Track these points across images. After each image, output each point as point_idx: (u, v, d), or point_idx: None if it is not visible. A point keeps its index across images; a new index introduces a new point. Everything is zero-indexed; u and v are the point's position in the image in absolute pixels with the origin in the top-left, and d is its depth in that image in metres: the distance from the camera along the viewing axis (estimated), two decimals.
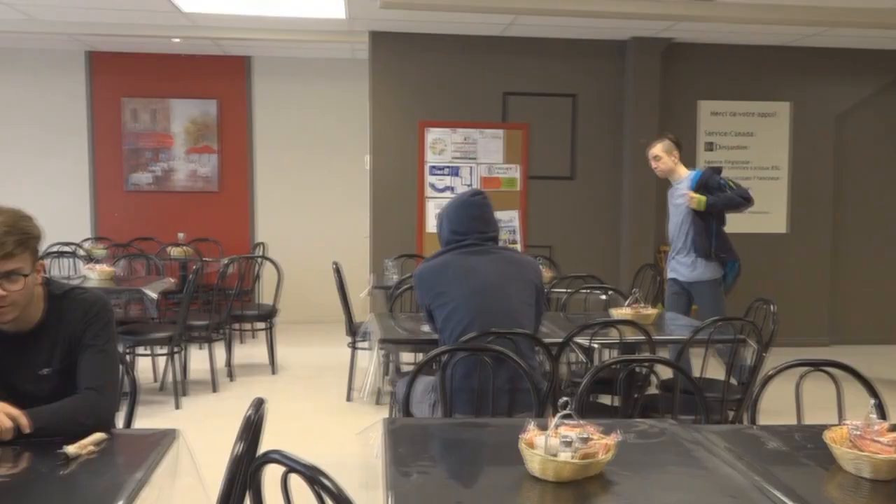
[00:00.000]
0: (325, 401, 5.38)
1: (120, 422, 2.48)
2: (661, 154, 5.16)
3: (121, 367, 2.71)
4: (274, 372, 6.13)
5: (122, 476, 1.81)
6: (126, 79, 8.03)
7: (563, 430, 1.81)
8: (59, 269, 6.77)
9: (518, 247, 6.99)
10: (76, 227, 7.87)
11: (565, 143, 7.17)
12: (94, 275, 5.29)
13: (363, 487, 2.84)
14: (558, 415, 1.85)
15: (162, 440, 2.01)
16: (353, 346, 5.43)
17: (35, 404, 2.08)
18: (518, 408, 2.86)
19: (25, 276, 2.05)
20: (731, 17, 5.92)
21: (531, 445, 1.80)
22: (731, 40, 7.09)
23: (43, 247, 2.30)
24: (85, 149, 8.04)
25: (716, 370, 3.85)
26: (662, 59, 7.04)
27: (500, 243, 3.33)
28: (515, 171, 7.12)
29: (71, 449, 1.88)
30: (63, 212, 7.82)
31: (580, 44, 7.06)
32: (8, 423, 1.92)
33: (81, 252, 6.99)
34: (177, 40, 7.24)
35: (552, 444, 1.76)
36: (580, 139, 7.17)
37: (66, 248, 6.96)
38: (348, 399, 5.38)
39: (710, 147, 7.38)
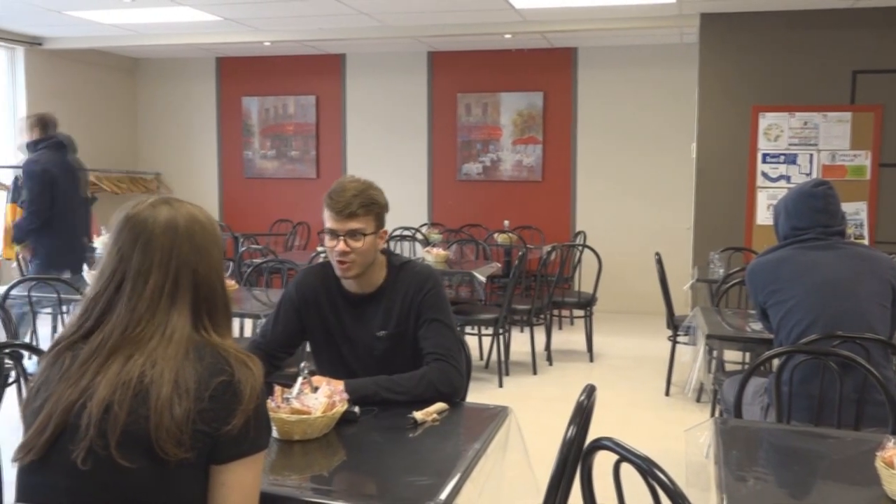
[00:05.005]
0: (642, 393, 5.31)
1: None
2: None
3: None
4: (591, 360, 6.19)
5: (462, 445, 1.96)
6: (461, 75, 8.61)
7: None
8: (401, 251, 7.48)
9: (865, 242, 6.26)
10: (416, 214, 8.64)
11: None
12: (431, 257, 5.77)
13: (687, 486, 2.76)
14: None
15: (497, 416, 2.13)
16: (674, 340, 5.28)
17: (369, 362, 2.33)
18: (867, 421, 2.57)
19: (366, 235, 2.29)
20: None
21: (890, 465, 1.61)
22: None
23: (388, 228, 2.51)
24: (424, 142, 8.78)
25: None
26: None
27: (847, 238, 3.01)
28: (864, 158, 6.37)
29: (418, 415, 2.08)
30: (406, 200, 8.61)
31: None
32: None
33: (419, 236, 7.65)
34: (508, 36, 7.58)
35: None
36: None
37: (407, 233, 7.67)
38: (667, 394, 5.26)
39: None
